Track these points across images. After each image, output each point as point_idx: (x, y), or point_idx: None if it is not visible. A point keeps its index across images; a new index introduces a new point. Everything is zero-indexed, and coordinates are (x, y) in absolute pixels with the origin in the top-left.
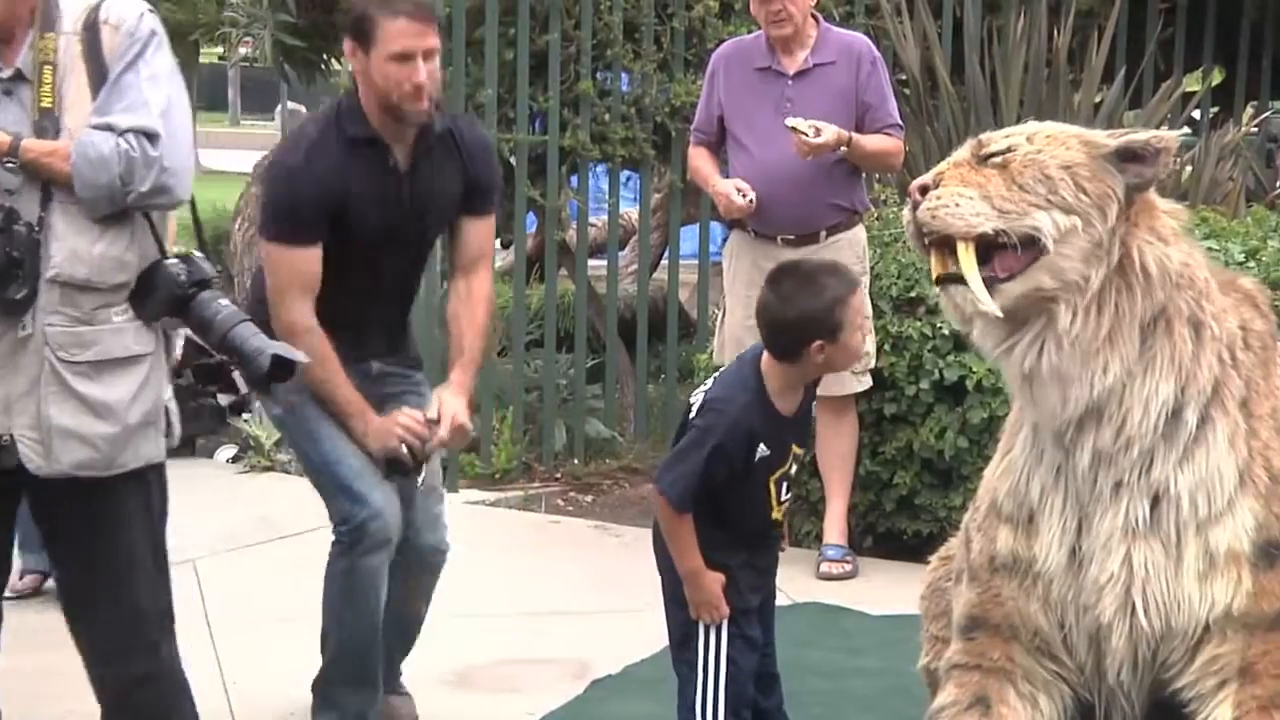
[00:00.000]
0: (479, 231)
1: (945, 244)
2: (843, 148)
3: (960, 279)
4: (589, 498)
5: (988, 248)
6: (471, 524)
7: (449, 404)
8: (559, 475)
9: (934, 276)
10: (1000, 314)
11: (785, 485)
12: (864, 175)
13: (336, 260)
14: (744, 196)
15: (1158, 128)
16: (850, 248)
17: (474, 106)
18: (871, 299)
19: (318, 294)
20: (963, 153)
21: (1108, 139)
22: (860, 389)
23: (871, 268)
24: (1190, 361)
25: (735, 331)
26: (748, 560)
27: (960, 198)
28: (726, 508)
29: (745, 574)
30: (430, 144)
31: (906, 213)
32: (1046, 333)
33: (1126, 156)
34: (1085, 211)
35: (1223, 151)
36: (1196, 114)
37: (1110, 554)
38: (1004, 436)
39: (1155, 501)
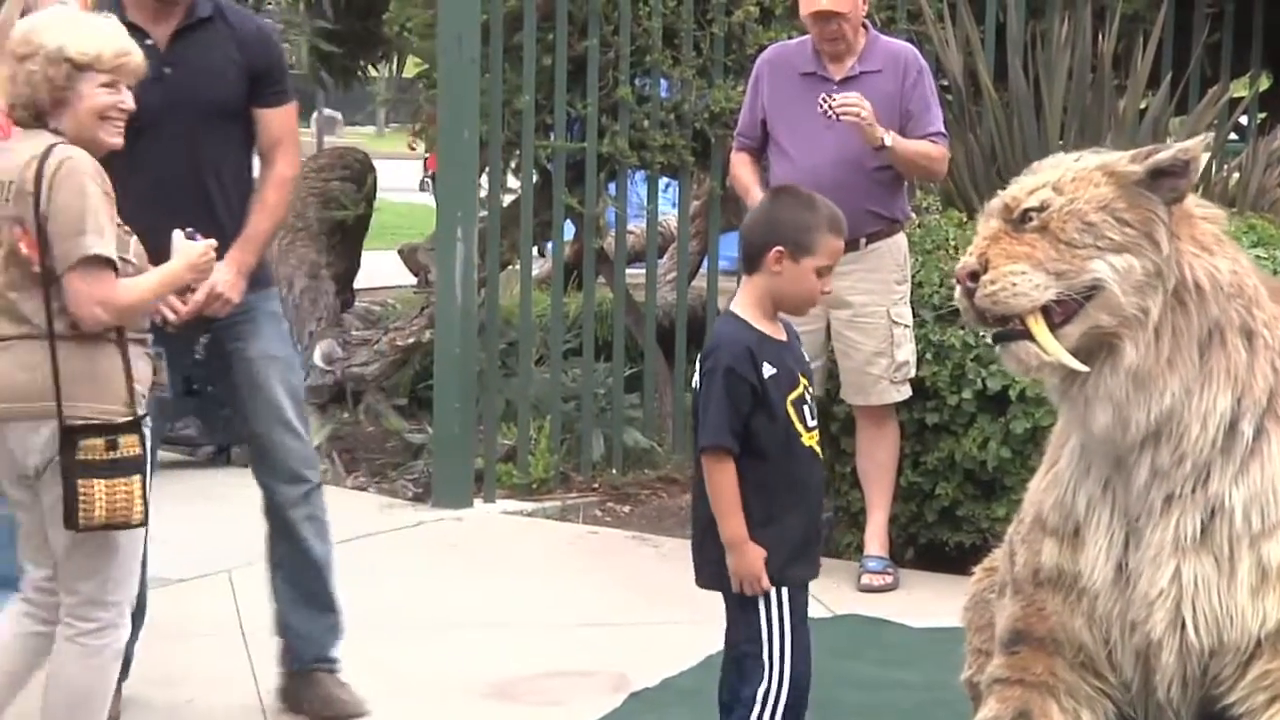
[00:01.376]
0: (272, 122)
1: (1008, 318)
2: (882, 147)
3: (1019, 335)
4: (627, 508)
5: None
6: (509, 534)
7: (215, 273)
8: (597, 485)
9: (991, 335)
10: (1086, 369)
11: (806, 410)
12: (906, 184)
13: (112, 158)
14: None
15: (1203, 133)
16: (890, 255)
17: (512, 113)
18: (913, 308)
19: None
20: (993, 222)
21: (1133, 164)
22: (900, 398)
23: (913, 275)
24: (1245, 372)
25: None
26: (800, 525)
27: (1014, 275)
28: (763, 446)
29: (793, 545)
30: (192, 25)
31: (960, 299)
32: (1108, 366)
33: (1156, 175)
34: (1136, 244)
35: (1270, 158)
36: (1244, 120)
37: (1160, 569)
38: (1049, 448)
39: (1210, 515)
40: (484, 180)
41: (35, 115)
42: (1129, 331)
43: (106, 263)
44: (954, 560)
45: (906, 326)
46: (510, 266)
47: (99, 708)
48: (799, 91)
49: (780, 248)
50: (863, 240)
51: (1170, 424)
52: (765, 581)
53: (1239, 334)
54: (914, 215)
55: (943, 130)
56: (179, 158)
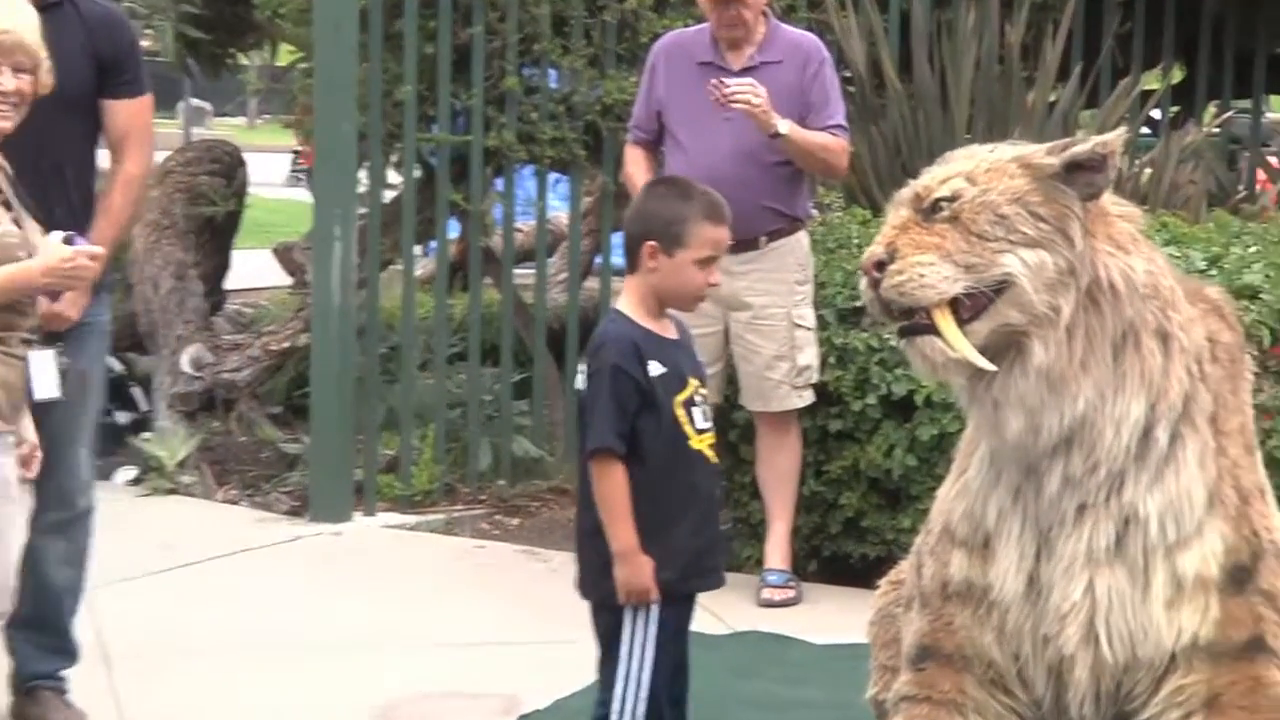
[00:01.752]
0: (121, 114)
1: (913, 311)
2: (777, 135)
3: (924, 329)
4: (516, 521)
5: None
6: (390, 550)
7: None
8: (484, 497)
9: (896, 329)
10: (994, 368)
11: (697, 412)
12: (807, 181)
13: None
14: None
15: (1114, 127)
16: (792, 254)
17: (392, 104)
18: (815, 309)
19: None
20: (903, 211)
21: (1049, 157)
22: (802, 404)
23: (815, 276)
24: (1160, 376)
25: None
26: (692, 534)
27: (922, 266)
28: (649, 448)
29: (686, 555)
30: (38, 9)
31: (865, 290)
32: (1017, 367)
33: (1072, 169)
34: (1049, 239)
35: (1183, 153)
36: (1156, 113)
37: (1073, 581)
38: (958, 456)
39: (1124, 525)
40: (363, 175)
41: None
42: (1039, 330)
43: None
44: (859, 573)
45: (809, 329)
46: (392, 266)
47: None
48: (696, 82)
49: (652, 242)
50: (762, 239)
51: (1083, 430)
52: (654, 593)
53: (1154, 336)
54: (816, 213)
55: (844, 123)
56: (22, 152)
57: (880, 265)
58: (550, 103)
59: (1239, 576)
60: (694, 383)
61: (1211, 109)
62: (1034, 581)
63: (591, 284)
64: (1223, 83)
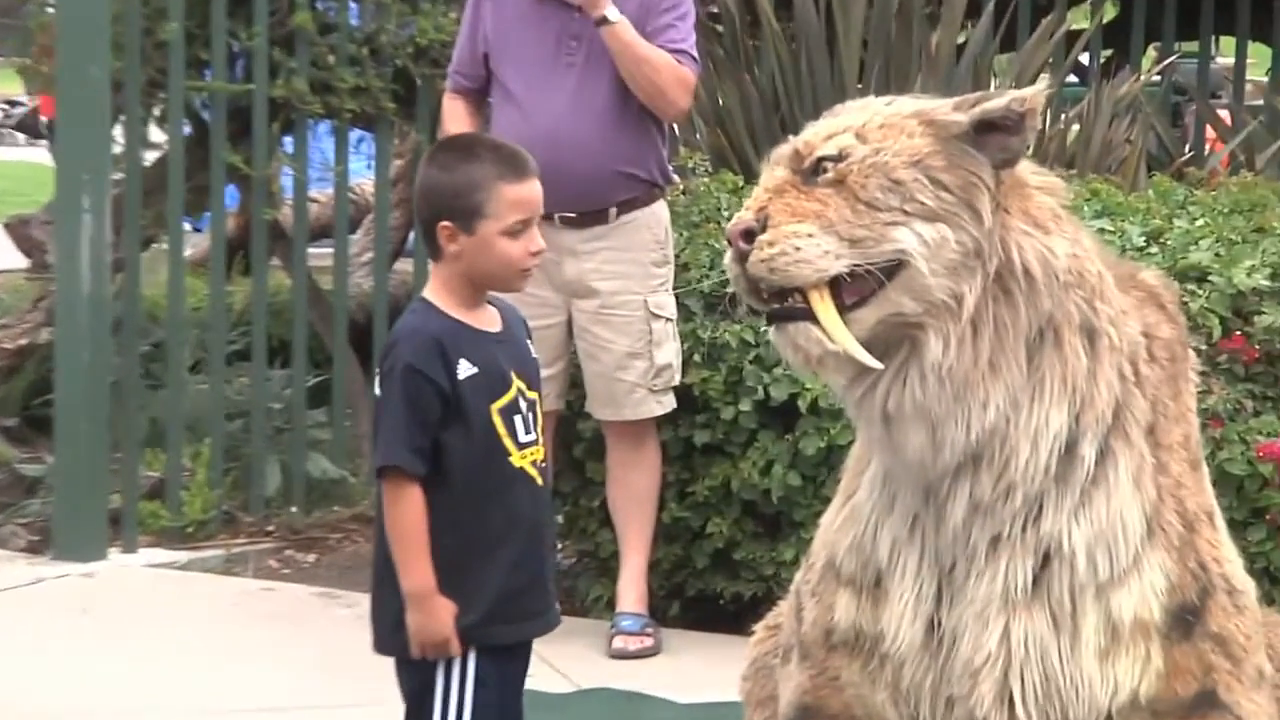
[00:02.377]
0: None
1: (787, 291)
2: (604, 22)
3: (798, 314)
4: (312, 557)
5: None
6: (156, 594)
7: None
8: (272, 528)
9: (765, 314)
10: (879, 365)
11: (520, 421)
12: (665, 135)
13: None
14: None
15: (1036, 76)
16: (648, 229)
17: (154, 45)
18: (676, 297)
19: None
20: (779, 171)
21: (955, 112)
22: (662, 411)
23: (676, 255)
24: (1085, 381)
25: None
26: (510, 571)
27: (798, 238)
28: (457, 466)
29: (498, 596)
30: None
31: (730, 263)
32: (910, 366)
33: (984, 129)
34: (951, 213)
35: (1117, 107)
36: (1085, 59)
37: (986, 628)
38: (845, 475)
39: (1044, 561)
40: (119, 133)
41: None
42: (936, 322)
43: None
44: (730, 616)
45: (669, 320)
46: (155, 245)
47: None
48: (531, 19)
49: (445, 222)
50: (612, 210)
51: (993, 445)
52: (454, 645)
53: (1078, 333)
54: (677, 179)
55: (692, 53)
56: None
57: (749, 235)
58: (351, 44)
59: (1185, 618)
60: (519, 384)
61: (1151, 53)
62: (935, 629)
63: (404, 266)
64: (1163, 22)
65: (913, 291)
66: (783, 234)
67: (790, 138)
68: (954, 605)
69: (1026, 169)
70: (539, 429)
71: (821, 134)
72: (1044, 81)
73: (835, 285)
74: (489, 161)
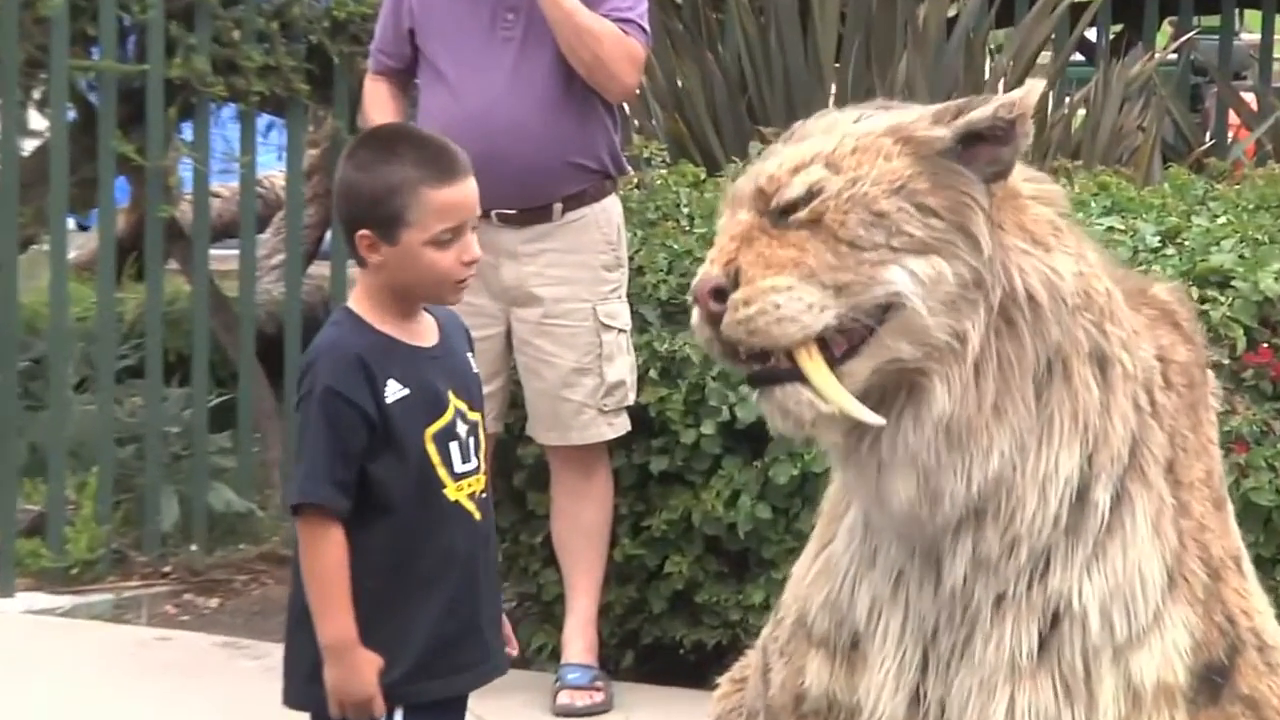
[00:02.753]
0: None
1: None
2: None
3: (785, 375)
4: (215, 601)
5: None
6: (35, 644)
7: None
8: (169, 569)
9: (746, 377)
10: (881, 420)
11: (457, 449)
12: (617, 119)
13: None
14: None
15: (1035, 55)
16: (598, 228)
17: (34, 20)
18: (630, 305)
19: None
20: (743, 214)
21: (936, 127)
22: (614, 435)
23: (630, 257)
24: (1098, 416)
25: None
26: (442, 619)
27: (777, 293)
28: (386, 500)
29: (428, 646)
30: None
31: (701, 325)
32: (908, 415)
33: (970, 141)
34: (945, 242)
35: (1129, 89)
36: (1092, 34)
37: (992, 699)
38: (820, 520)
39: (1053, 621)
40: None
41: None
42: (939, 366)
43: None
44: (691, 667)
45: (621, 331)
46: (35, 246)
47: None
48: None
49: (364, 231)
50: (557, 206)
51: (998, 495)
52: (378, 704)
53: (1088, 362)
54: (630, 169)
55: (642, 25)
56: None
57: (719, 293)
58: (259, 17)
59: (1212, 680)
60: (457, 405)
61: (1166, 29)
62: (920, 701)
63: (319, 269)
64: None
65: (910, 335)
66: (759, 290)
67: (750, 169)
68: (943, 674)
69: (1019, 176)
70: (481, 455)
71: (786, 166)
72: (1035, 82)
73: (822, 337)
74: (411, 162)
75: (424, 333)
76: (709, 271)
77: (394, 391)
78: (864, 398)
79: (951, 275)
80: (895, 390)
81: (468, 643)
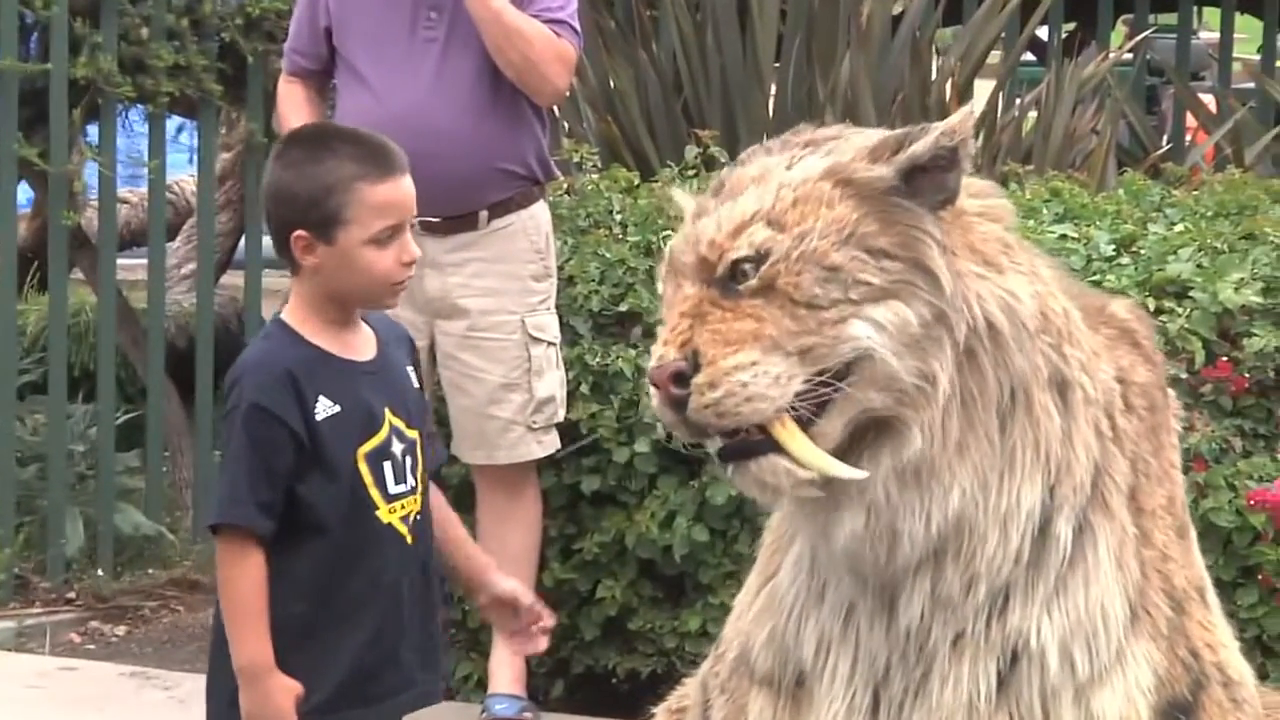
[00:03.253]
0: None
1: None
2: None
3: (759, 448)
4: (123, 629)
5: None
6: None
7: None
8: (74, 595)
9: (716, 453)
10: (865, 474)
11: (391, 469)
12: (546, 123)
13: None
14: None
15: (984, 55)
16: (525, 236)
17: None
18: (560, 316)
19: None
20: (688, 288)
21: (876, 167)
22: (543, 454)
23: (560, 267)
24: (1060, 445)
25: None
26: (365, 646)
27: (741, 373)
28: (317, 521)
29: (347, 673)
30: None
31: (663, 409)
32: (866, 454)
33: (913, 174)
34: (903, 284)
35: (1082, 90)
36: (1043, 33)
37: None
38: (763, 550)
39: (1011, 661)
40: None
41: None
42: (911, 412)
43: None
44: (625, 697)
45: (551, 344)
46: None
47: None
48: None
49: (301, 232)
50: (483, 214)
51: (960, 534)
52: None
53: (1048, 388)
54: (559, 174)
55: (573, 25)
56: None
57: (680, 378)
58: (168, 14)
59: (1177, 718)
60: (393, 423)
61: (1121, 28)
62: None
63: (233, 279)
64: None
65: (878, 384)
66: (721, 371)
67: (684, 234)
68: (895, 715)
69: (963, 192)
70: (418, 476)
71: (725, 229)
72: (968, 108)
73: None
74: (347, 157)
75: (360, 345)
76: (664, 355)
77: (324, 408)
78: (839, 454)
79: (914, 317)
80: (863, 432)
81: (388, 672)
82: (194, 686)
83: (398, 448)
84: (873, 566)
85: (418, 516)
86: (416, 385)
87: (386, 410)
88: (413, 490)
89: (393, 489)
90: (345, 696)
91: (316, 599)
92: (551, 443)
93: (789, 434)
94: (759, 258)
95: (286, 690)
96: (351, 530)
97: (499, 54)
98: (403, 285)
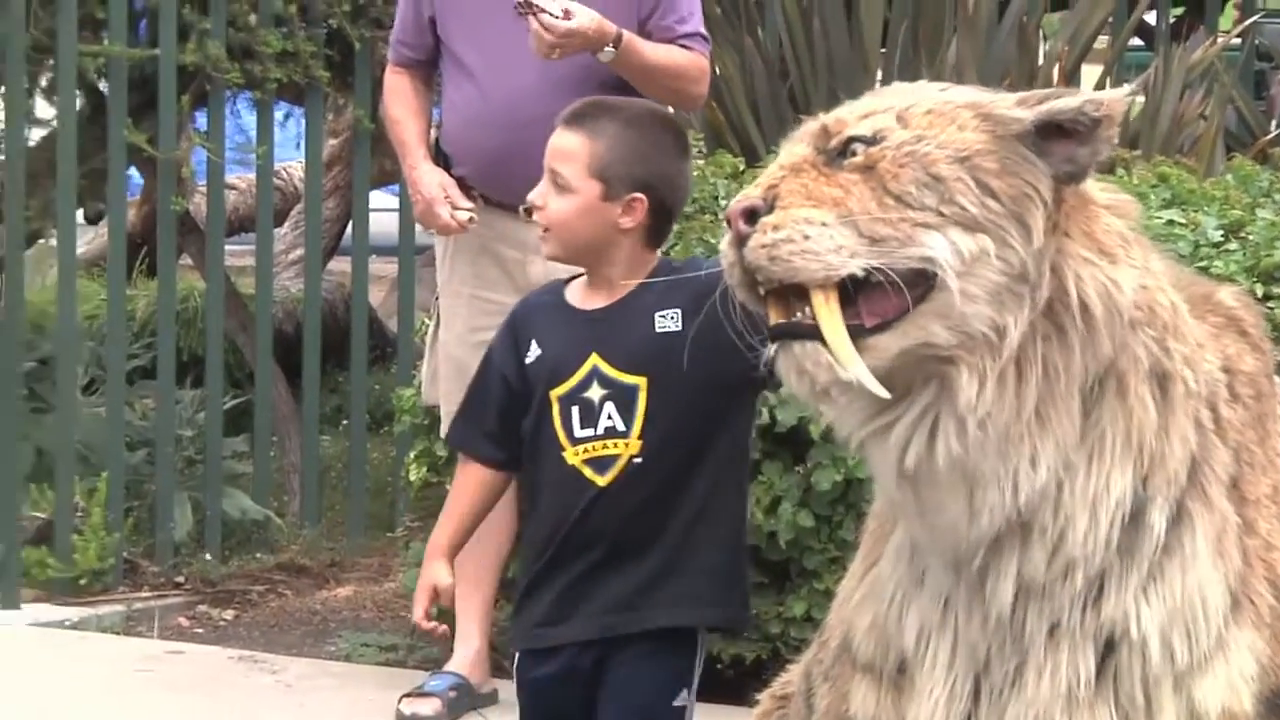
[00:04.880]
0: None
1: (789, 290)
2: (607, 48)
3: (806, 332)
4: (230, 614)
5: (851, 285)
6: (42, 657)
7: None
8: (182, 579)
9: (768, 325)
10: (886, 394)
11: (579, 413)
12: None
13: None
14: (454, 205)
15: (1091, 39)
16: None
17: (41, 2)
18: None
19: None
20: (801, 148)
21: (1018, 108)
22: None
23: (666, 251)
24: (1154, 437)
25: (455, 352)
26: (546, 572)
27: (809, 226)
28: (525, 450)
29: (542, 595)
30: None
31: (727, 248)
32: (941, 409)
33: (1049, 133)
34: (996, 226)
35: (1190, 76)
36: (1151, 18)
37: None
38: (866, 537)
39: (1109, 649)
40: None
41: None
42: (970, 357)
43: None
44: (731, 683)
45: None
46: (42, 241)
47: None
48: None
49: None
50: None
51: (1044, 514)
52: (418, 616)
53: (1147, 380)
54: None
55: (702, 32)
56: None
57: (752, 215)
58: (277, 0)
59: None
60: (603, 371)
61: (1231, 12)
62: None
63: (340, 264)
64: None
65: (946, 318)
66: (791, 218)
67: (821, 115)
68: (996, 703)
69: (1095, 185)
70: (634, 421)
71: (857, 112)
72: (1132, 85)
73: (851, 298)
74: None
75: (601, 293)
76: (748, 193)
77: (532, 353)
78: (885, 381)
79: (996, 259)
80: (924, 384)
81: (556, 610)
82: (300, 670)
83: (596, 393)
84: (957, 540)
85: (633, 459)
86: (664, 332)
87: (594, 355)
88: (598, 437)
89: (578, 433)
90: (522, 623)
91: (527, 534)
92: None
93: (828, 312)
94: (873, 139)
95: (435, 570)
96: (541, 468)
97: (646, 90)
98: None
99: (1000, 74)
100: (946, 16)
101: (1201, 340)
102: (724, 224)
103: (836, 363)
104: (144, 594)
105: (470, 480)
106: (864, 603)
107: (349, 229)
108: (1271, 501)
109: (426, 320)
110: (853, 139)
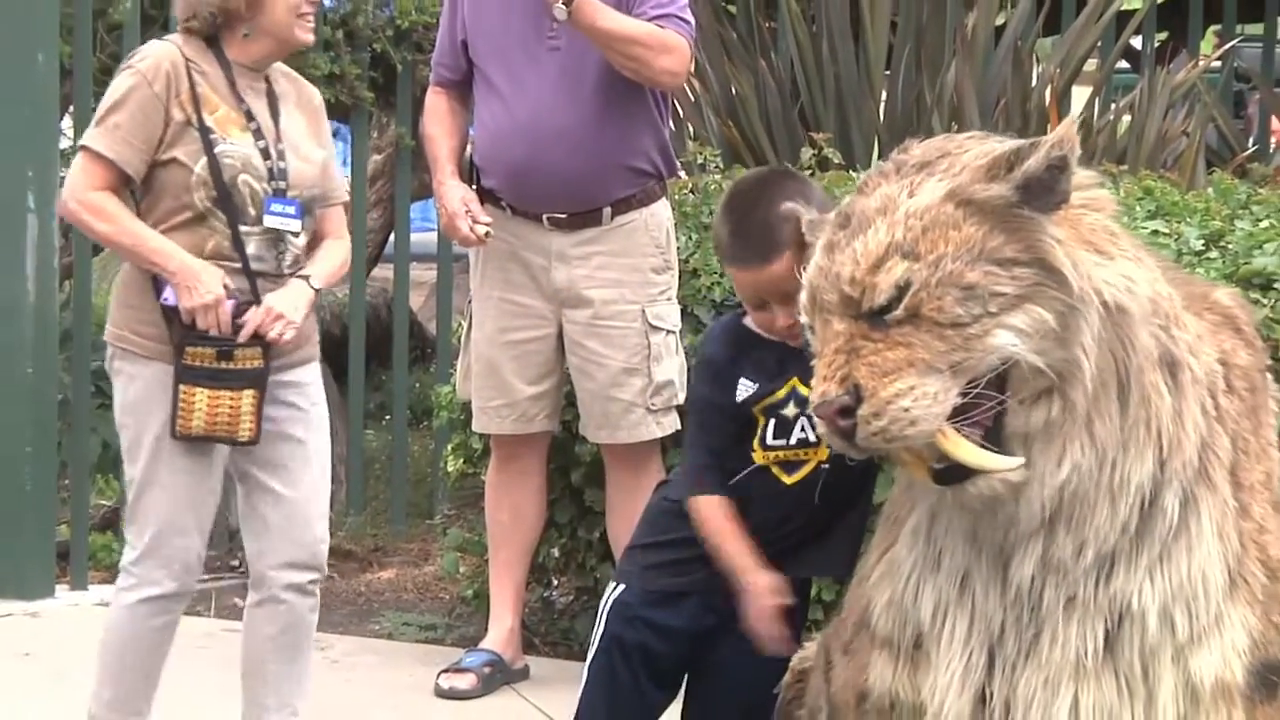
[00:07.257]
0: None
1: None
2: (559, 5)
3: (963, 474)
4: None
5: None
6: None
7: None
8: (237, 563)
9: (925, 477)
10: (1022, 461)
11: (775, 425)
12: (668, 112)
13: None
14: (474, 219)
15: (1081, 62)
16: (647, 231)
17: (108, 28)
18: (684, 307)
19: None
20: (837, 324)
21: (994, 186)
22: (663, 434)
23: (685, 260)
24: (1171, 422)
25: (485, 351)
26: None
27: (903, 399)
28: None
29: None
30: None
31: (835, 440)
32: (1067, 420)
33: (1027, 185)
34: (1035, 287)
35: (1173, 96)
36: (1137, 42)
37: (1056, 697)
38: (881, 525)
39: (1118, 622)
40: (67, 124)
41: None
42: (1067, 386)
43: (96, 157)
44: None
45: (670, 332)
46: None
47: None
48: (510, 2)
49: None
50: (606, 210)
51: (1073, 505)
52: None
53: (1158, 367)
54: (683, 174)
55: (680, 16)
56: None
57: (845, 411)
58: (324, 26)
59: (1269, 679)
60: (795, 389)
61: (1211, 36)
62: (986, 701)
63: (383, 272)
64: (1225, 1)
65: (1030, 381)
66: (883, 400)
67: (823, 269)
68: (1009, 674)
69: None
70: (801, 433)
71: (864, 265)
72: (1071, 118)
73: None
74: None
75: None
76: (827, 392)
77: (745, 389)
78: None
79: (1051, 315)
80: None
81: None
82: (346, 647)
83: (790, 411)
84: (992, 535)
85: (820, 465)
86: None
87: (795, 380)
88: (790, 445)
89: (770, 441)
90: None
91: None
92: (670, 423)
93: (953, 443)
94: (900, 291)
95: (763, 587)
96: (739, 466)
97: (610, 58)
98: None
99: (996, 94)
100: (946, 41)
101: (1200, 333)
102: (817, 418)
103: (998, 472)
104: (204, 576)
105: (720, 511)
106: (881, 582)
107: (391, 238)
108: (1264, 488)
109: (463, 323)
110: (883, 303)
